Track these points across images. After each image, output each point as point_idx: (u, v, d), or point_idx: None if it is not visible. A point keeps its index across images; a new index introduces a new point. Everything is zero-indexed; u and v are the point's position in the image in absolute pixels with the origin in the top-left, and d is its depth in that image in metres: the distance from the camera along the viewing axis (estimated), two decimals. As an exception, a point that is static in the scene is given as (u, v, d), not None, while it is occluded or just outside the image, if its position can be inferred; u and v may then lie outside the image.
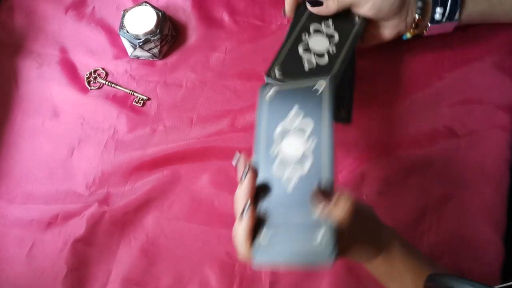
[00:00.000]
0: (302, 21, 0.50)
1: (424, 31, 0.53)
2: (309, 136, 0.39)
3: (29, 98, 0.61)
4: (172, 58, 0.62)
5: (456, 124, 0.56)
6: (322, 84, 0.41)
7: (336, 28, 0.50)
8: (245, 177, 0.39)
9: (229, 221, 0.54)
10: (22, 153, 0.59)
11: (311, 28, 0.49)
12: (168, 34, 0.61)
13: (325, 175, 0.37)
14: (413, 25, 0.51)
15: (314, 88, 0.41)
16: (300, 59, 0.47)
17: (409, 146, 0.55)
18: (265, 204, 0.39)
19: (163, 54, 0.62)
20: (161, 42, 0.60)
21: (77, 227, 0.54)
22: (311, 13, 0.51)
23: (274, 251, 0.37)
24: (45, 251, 0.54)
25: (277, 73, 0.44)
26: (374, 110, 0.57)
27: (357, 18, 0.51)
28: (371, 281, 0.50)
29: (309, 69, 0.46)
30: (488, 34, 0.58)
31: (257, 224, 0.38)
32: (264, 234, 0.38)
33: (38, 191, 0.57)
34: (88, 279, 0.53)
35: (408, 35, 0.53)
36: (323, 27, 0.49)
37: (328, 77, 0.41)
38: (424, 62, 0.58)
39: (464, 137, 0.55)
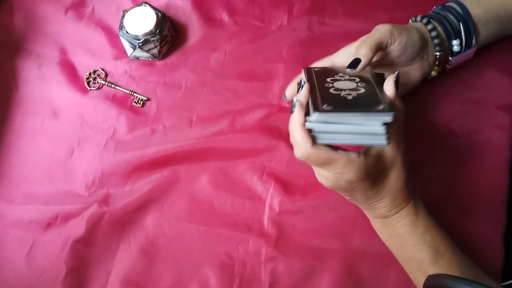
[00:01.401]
0: (315, 80, 0.47)
1: (447, 66, 0.53)
2: (358, 82, 0.45)
3: (28, 99, 0.61)
4: (171, 59, 0.63)
5: (456, 124, 0.56)
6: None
7: (351, 76, 0.47)
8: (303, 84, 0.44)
9: (228, 221, 0.54)
10: (22, 153, 0.59)
11: (328, 80, 0.46)
12: (168, 35, 0.61)
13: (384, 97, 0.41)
14: (436, 63, 0.52)
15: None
16: (337, 95, 0.43)
17: (409, 146, 0.55)
18: (327, 99, 0.41)
19: (163, 55, 0.62)
20: (160, 43, 0.60)
21: (77, 228, 0.54)
22: (319, 74, 0.48)
23: (337, 111, 0.39)
24: (44, 252, 0.54)
25: (325, 107, 0.40)
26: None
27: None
28: (371, 281, 0.50)
29: (353, 97, 0.42)
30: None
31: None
32: (327, 105, 0.40)
33: (37, 192, 0.57)
34: (88, 280, 0.52)
35: (433, 74, 0.53)
36: (338, 77, 0.47)
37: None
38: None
39: (464, 137, 0.55)
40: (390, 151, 0.43)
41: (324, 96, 0.42)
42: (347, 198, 0.47)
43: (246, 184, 0.55)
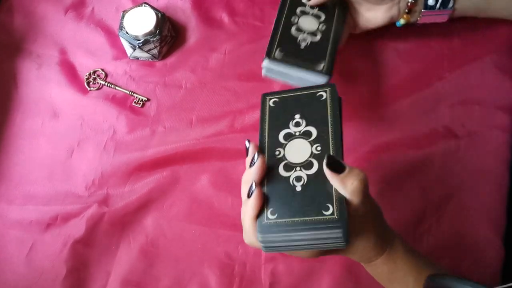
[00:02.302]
0: (288, 4, 0.53)
1: (418, 18, 0.53)
2: (314, 141, 0.39)
3: (28, 99, 0.61)
4: (171, 59, 0.62)
5: (456, 124, 0.56)
6: (325, 92, 0.42)
7: (320, 9, 0.52)
8: (255, 162, 0.39)
9: (228, 221, 0.54)
10: (22, 154, 0.59)
11: (298, 11, 0.52)
12: (168, 35, 0.61)
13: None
14: (406, 10, 0.51)
15: (318, 94, 0.42)
16: (294, 39, 0.50)
17: (408, 146, 0.55)
18: (273, 199, 0.37)
19: (163, 55, 0.62)
20: (160, 43, 0.60)
21: (77, 228, 0.54)
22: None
23: (282, 227, 0.36)
24: (44, 252, 0.54)
25: (277, 54, 0.47)
26: (373, 111, 0.57)
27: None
28: (371, 282, 0.50)
29: (305, 47, 0.49)
30: (488, 34, 0.58)
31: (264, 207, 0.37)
32: (271, 212, 0.37)
33: (37, 192, 0.57)
34: (88, 280, 0.52)
35: (402, 22, 0.53)
36: (308, 8, 0.52)
37: (330, 87, 0.42)
38: (424, 62, 0.58)
39: (464, 138, 0.55)
40: (356, 222, 0.38)
41: (282, 42, 0.49)
42: None
43: (246, 184, 0.55)
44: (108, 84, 0.61)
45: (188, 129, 0.58)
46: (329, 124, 0.40)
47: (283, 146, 0.40)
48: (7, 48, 0.64)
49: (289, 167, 0.39)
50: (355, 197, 0.36)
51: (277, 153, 0.40)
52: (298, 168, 0.38)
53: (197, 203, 0.55)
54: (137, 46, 0.59)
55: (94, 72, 0.62)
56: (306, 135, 0.40)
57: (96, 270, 0.53)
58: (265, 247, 0.37)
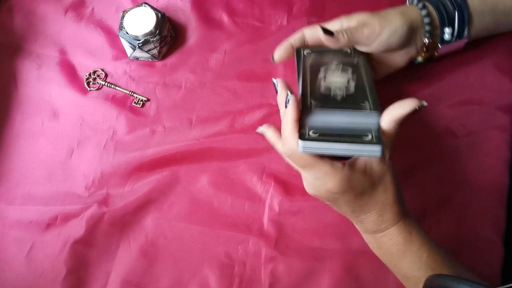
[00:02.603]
0: (305, 71, 0.48)
1: (436, 53, 0.53)
2: (351, 72, 0.46)
3: (28, 99, 0.61)
4: (171, 59, 0.62)
5: (456, 125, 0.56)
6: (356, 57, 0.49)
7: (344, 64, 0.49)
8: (278, 83, 0.45)
9: (228, 221, 0.54)
10: (21, 154, 0.59)
11: (321, 74, 0.47)
12: (168, 35, 0.61)
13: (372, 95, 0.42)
14: (424, 49, 0.51)
15: (347, 52, 0.50)
16: (327, 93, 0.44)
17: (408, 146, 0.55)
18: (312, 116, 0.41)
19: (163, 55, 0.62)
20: (160, 43, 0.60)
21: (77, 228, 0.54)
22: (311, 62, 0.49)
23: (322, 132, 0.39)
24: (44, 253, 0.54)
25: (313, 103, 0.42)
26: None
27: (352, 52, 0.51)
28: (371, 282, 0.50)
29: (342, 98, 0.43)
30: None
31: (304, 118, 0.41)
32: (311, 128, 0.40)
33: (37, 192, 0.57)
34: (88, 281, 0.52)
35: (420, 59, 0.53)
36: (333, 67, 0.48)
37: (362, 55, 0.49)
38: (423, 62, 0.58)
39: (464, 138, 0.55)
40: (378, 166, 0.41)
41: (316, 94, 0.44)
42: (334, 208, 0.46)
43: (246, 184, 0.55)
44: (108, 84, 0.61)
45: (188, 129, 0.58)
46: (363, 70, 0.46)
47: (322, 77, 0.45)
48: (7, 48, 0.64)
49: (329, 87, 0.44)
50: (395, 124, 0.40)
51: (316, 81, 0.45)
52: (336, 89, 0.43)
53: (197, 203, 0.55)
54: (137, 46, 0.59)
55: (94, 72, 0.62)
56: (343, 70, 0.46)
57: (96, 270, 0.53)
58: (303, 152, 0.40)
